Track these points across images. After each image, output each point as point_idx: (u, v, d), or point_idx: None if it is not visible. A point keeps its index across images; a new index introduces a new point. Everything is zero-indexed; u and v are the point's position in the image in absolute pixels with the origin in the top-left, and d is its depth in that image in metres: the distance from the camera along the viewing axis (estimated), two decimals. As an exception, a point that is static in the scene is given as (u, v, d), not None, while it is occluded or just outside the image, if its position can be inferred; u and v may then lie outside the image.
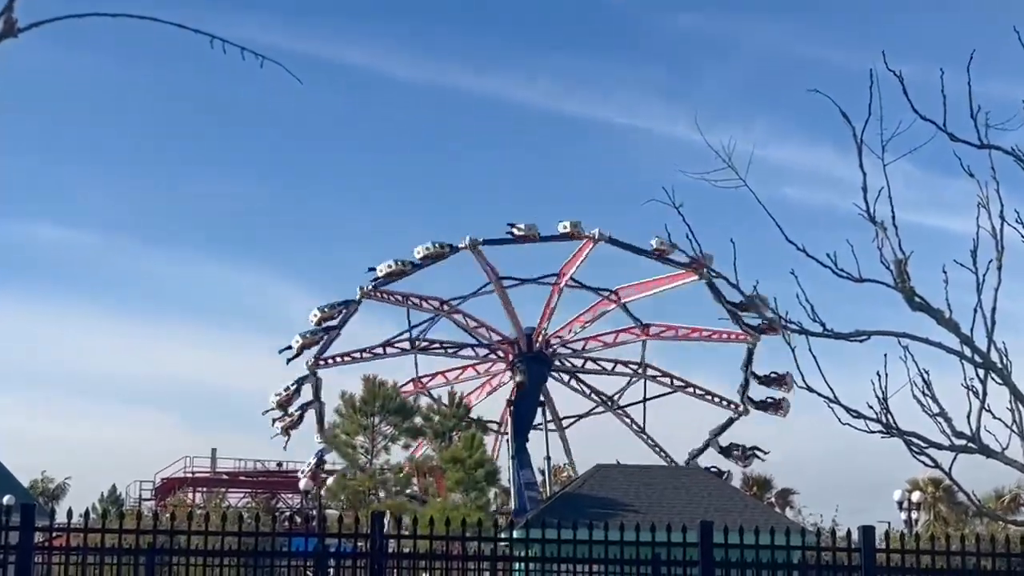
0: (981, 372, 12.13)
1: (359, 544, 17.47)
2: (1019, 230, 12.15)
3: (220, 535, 16.85)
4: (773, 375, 74.36)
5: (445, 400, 64.20)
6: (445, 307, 72.58)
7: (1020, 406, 12.08)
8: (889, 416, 12.22)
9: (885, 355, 12.16)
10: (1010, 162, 12.12)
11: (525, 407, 71.74)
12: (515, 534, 23.84)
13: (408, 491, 58.63)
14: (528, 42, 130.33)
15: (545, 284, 73.56)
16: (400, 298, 71.82)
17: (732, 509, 43.03)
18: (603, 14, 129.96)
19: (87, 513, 16.51)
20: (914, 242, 12.20)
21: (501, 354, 74.28)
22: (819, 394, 12.21)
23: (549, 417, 75.01)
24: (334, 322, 69.83)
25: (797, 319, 12.34)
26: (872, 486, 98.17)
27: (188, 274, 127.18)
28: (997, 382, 12.16)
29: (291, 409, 70.15)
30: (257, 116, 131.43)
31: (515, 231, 69.83)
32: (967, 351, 12.14)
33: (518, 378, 72.13)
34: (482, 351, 74.92)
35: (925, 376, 12.17)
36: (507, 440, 69.75)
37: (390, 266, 69.18)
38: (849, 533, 17.56)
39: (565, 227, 69.97)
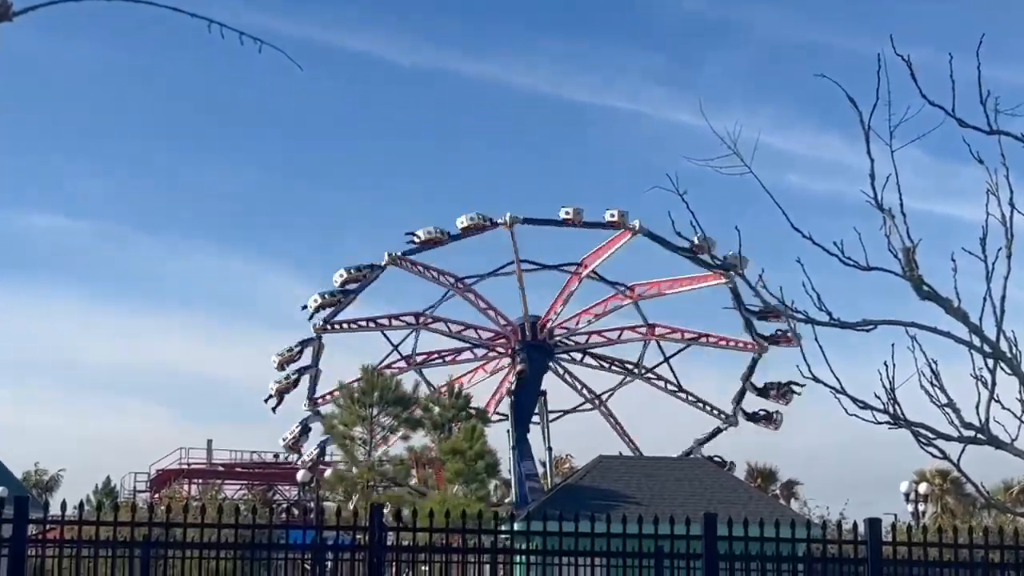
0: (990, 362, 12.12)
1: (358, 537, 17.49)
2: (1029, 217, 12.14)
3: (216, 528, 16.86)
4: (771, 386, 74.90)
5: (444, 389, 64.25)
6: (460, 284, 72.86)
7: (1030, 396, 12.09)
8: (896, 407, 12.22)
9: (893, 345, 12.16)
10: (1020, 148, 12.09)
11: (526, 397, 71.80)
12: (516, 526, 23.83)
13: (411, 482, 58.71)
14: (528, 27, 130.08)
15: (564, 272, 73.84)
16: (422, 268, 72.27)
17: (736, 501, 43.04)
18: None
19: (81, 505, 16.52)
20: (922, 230, 12.19)
21: (504, 341, 74.34)
22: (825, 384, 12.21)
23: (554, 407, 75.19)
24: (355, 285, 70.21)
25: (803, 308, 12.34)
26: (879, 478, 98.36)
27: (184, 263, 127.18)
28: (1006, 372, 12.16)
29: (288, 371, 70.62)
30: (254, 103, 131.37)
31: (562, 214, 70.19)
32: (976, 340, 12.13)
33: (519, 367, 72.12)
34: (486, 335, 75.03)
35: (933, 366, 12.17)
36: (507, 430, 69.86)
37: (429, 232, 69.61)
38: (855, 525, 17.58)
39: (613, 215, 70.20)
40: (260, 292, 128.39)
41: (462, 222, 69.69)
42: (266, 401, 71.36)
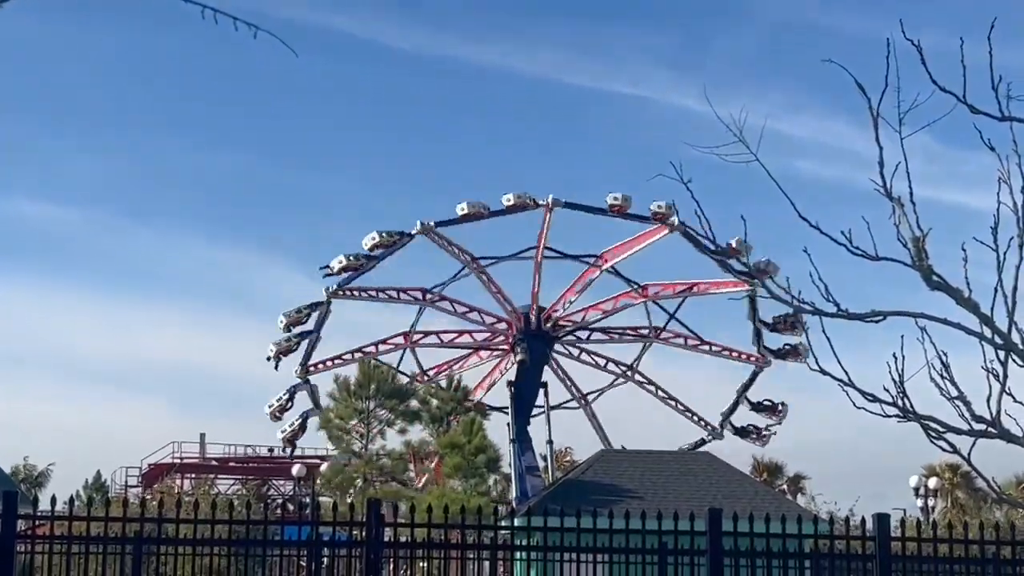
0: (1001, 354, 12.13)
1: (354, 532, 17.50)
2: (1042, 206, 12.13)
3: (210, 524, 16.89)
4: (767, 402, 75.04)
5: (433, 374, 64.29)
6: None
7: (1042, 389, 12.10)
8: (906, 400, 12.24)
9: (902, 336, 12.18)
10: (1032, 135, 12.09)
11: (526, 388, 71.69)
12: (516, 522, 23.86)
13: (408, 477, 58.77)
14: (529, 10, 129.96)
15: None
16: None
17: (742, 496, 43.05)
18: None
19: (71, 500, 16.54)
20: (932, 219, 12.20)
21: (502, 336, 74.31)
22: (833, 377, 12.23)
23: (555, 400, 75.17)
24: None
25: (810, 299, 12.35)
26: (887, 472, 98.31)
27: (174, 252, 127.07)
28: (1018, 364, 12.17)
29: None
30: (248, 89, 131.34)
31: (610, 200, 69.83)
32: (987, 332, 12.14)
33: (519, 357, 72.04)
34: (481, 336, 74.98)
35: (943, 358, 12.19)
36: (507, 423, 69.83)
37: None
38: (863, 521, 17.60)
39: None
40: (255, 282, 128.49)
41: (508, 199, 69.08)
42: (267, 359, 70.93)
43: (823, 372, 12.28)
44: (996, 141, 11.96)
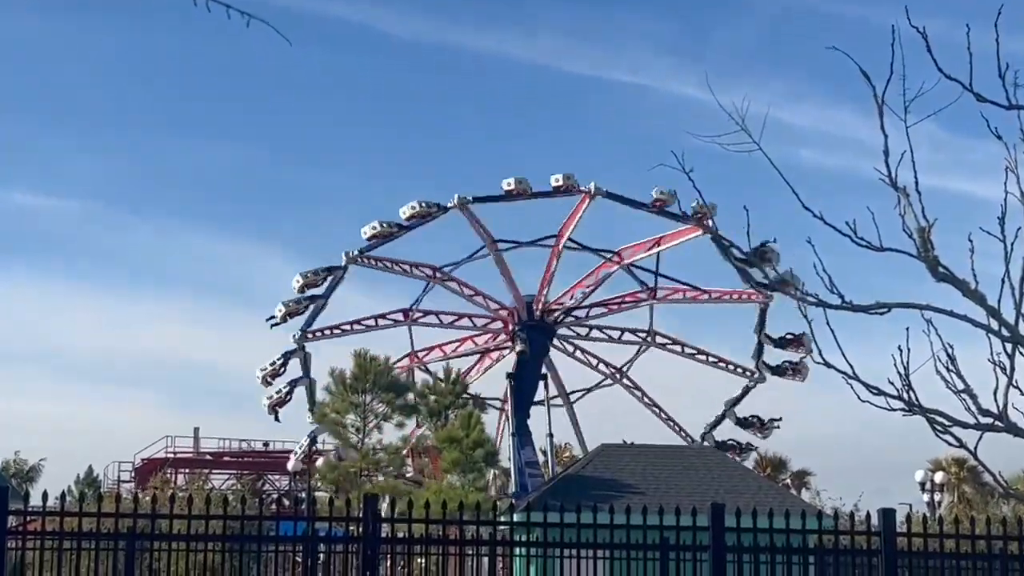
0: (1009, 346, 12.14)
1: (351, 528, 17.53)
2: (1050, 196, 12.14)
3: (204, 519, 16.90)
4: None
5: (441, 375, 64.21)
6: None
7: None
8: (911, 393, 12.25)
9: (907, 328, 12.18)
10: (1040, 123, 12.09)
11: (526, 380, 71.49)
12: (516, 517, 23.90)
13: (408, 473, 58.75)
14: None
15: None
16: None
17: (745, 491, 43.13)
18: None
19: (63, 496, 16.58)
20: (938, 209, 12.20)
21: (501, 324, 74.18)
22: (837, 370, 12.24)
23: (553, 392, 75.06)
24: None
25: (814, 290, 12.35)
26: (893, 467, 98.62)
27: (172, 246, 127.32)
28: (1026, 356, 12.19)
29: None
30: (242, 80, 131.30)
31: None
32: (994, 324, 12.15)
33: (518, 347, 71.81)
34: (480, 321, 74.85)
35: (949, 351, 12.19)
36: (507, 417, 69.78)
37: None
38: (868, 516, 17.63)
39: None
40: (251, 275, 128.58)
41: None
42: (273, 320, 70.71)
43: (827, 365, 12.29)
44: (1003, 130, 11.97)
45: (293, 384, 70.51)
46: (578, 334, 76.36)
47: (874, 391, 12.27)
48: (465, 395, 62.71)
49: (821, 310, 12.34)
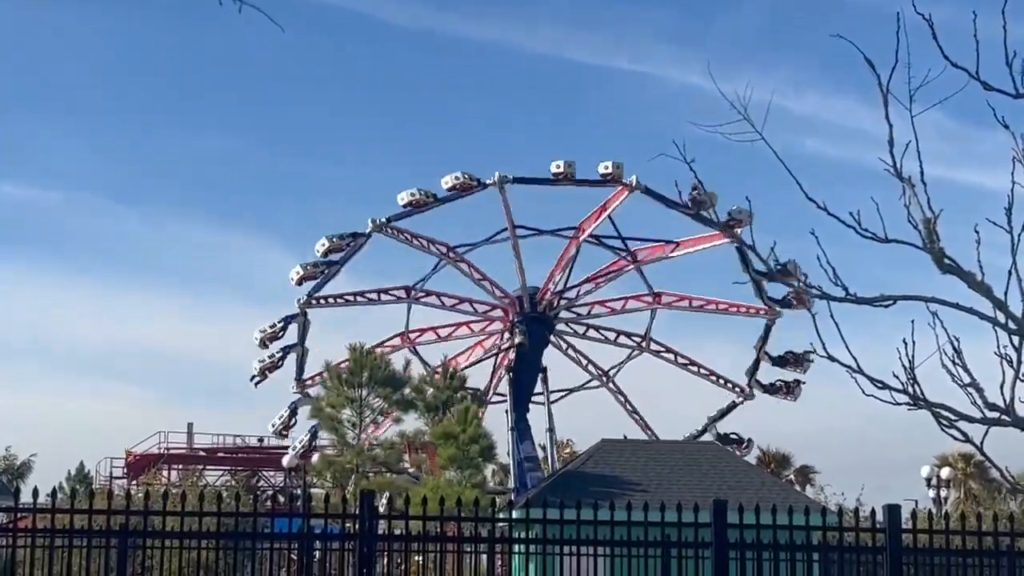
0: (1016, 339, 12.14)
1: (347, 525, 17.54)
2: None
3: (197, 516, 16.91)
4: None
5: (437, 368, 64.15)
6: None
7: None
8: (916, 387, 12.25)
9: (912, 321, 12.19)
10: (1048, 112, 12.09)
11: (525, 373, 71.39)
12: (514, 514, 23.89)
13: (408, 469, 58.74)
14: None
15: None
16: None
17: (748, 487, 43.09)
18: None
19: (54, 492, 16.58)
20: (944, 199, 12.20)
21: (501, 312, 73.99)
22: (841, 363, 12.24)
23: (552, 387, 75.01)
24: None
25: (818, 283, 12.35)
26: (898, 462, 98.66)
27: (161, 236, 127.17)
28: (1033, 349, 12.18)
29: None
30: (233, 67, 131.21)
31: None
32: (1001, 317, 12.15)
33: (517, 339, 71.62)
34: (482, 308, 74.65)
35: (955, 344, 12.20)
36: (505, 411, 69.66)
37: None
38: (873, 512, 17.63)
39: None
40: (244, 266, 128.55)
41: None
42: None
43: (831, 358, 12.29)
44: (1010, 119, 11.96)
45: (286, 350, 70.63)
46: (575, 331, 76.18)
47: (879, 385, 12.28)
48: (465, 389, 62.62)
49: (825, 303, 12.34)
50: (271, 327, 69.91)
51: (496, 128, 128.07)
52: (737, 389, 75.83)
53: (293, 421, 71.09)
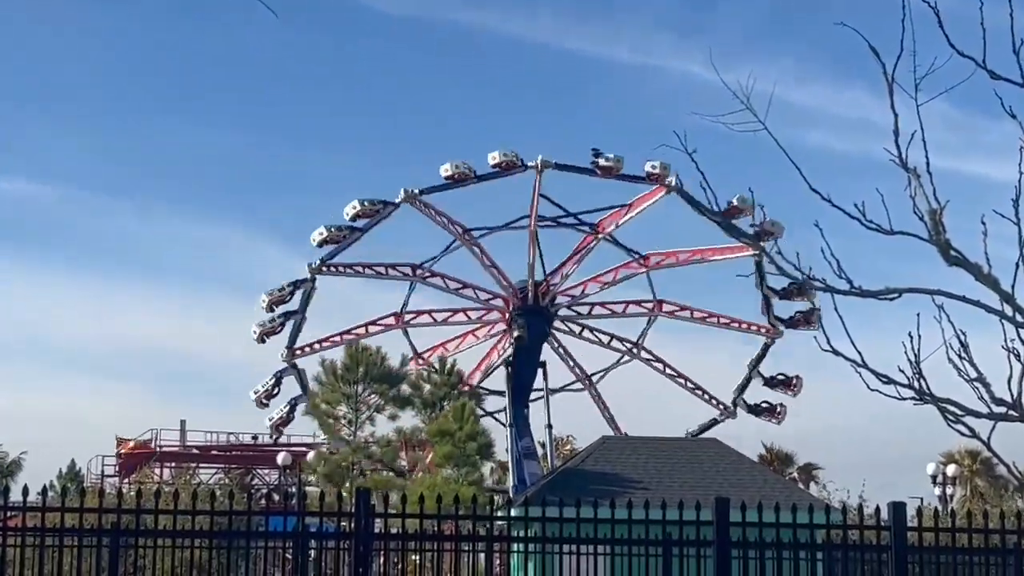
0: (1023, 332, 12.13)
1: (343, 524, 17.52)
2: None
3: (191, 514, 16.90)
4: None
5: (422, 355, 64.06)
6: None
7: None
8: (922, 381, 12.25)
9: (918, 315, 12.18)
10: (1056, 102, 12.07)
11: (524, 367, 71.18)
12: (513, 512, 23.91)
13: (404, 466, 58.71)
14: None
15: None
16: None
17: (750, 484, 43.10)
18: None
19: (45, 491, 16.56)
20: (950, 190, 12.19)
21: (498, 314, 73.81)
22: (846, 358, 12.23)
23: (570, 379, 74.91)
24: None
25: (822, 275, 12.35)
26: (903, 459, 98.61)
27: (156, 232, 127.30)
28: (1040, 343, 12.17)
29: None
30: (229, 58, 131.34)
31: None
32: (1008, 310, 12.14)
33: (516, 333, 71.40)
34: (475, 314, 74.49)
35: (961, 337, 12.20)
36: (503, 407, 69.57)
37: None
38: (878, 510, 17.62)
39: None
40: (238, 262, 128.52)
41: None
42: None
43: (835, 352, 12.28)
44: (1018, 108, 11.95)
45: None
46: (571, 329, 75.84)
47: (884, 380, 12.27)
48: (462, 385, 62.55)
49: (829, 296, 12.33)
50: (279, 290, 69.69)
51: (496, 117, 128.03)
52: (721, 407, 75.87)
53: (276, 391, 70.70)
